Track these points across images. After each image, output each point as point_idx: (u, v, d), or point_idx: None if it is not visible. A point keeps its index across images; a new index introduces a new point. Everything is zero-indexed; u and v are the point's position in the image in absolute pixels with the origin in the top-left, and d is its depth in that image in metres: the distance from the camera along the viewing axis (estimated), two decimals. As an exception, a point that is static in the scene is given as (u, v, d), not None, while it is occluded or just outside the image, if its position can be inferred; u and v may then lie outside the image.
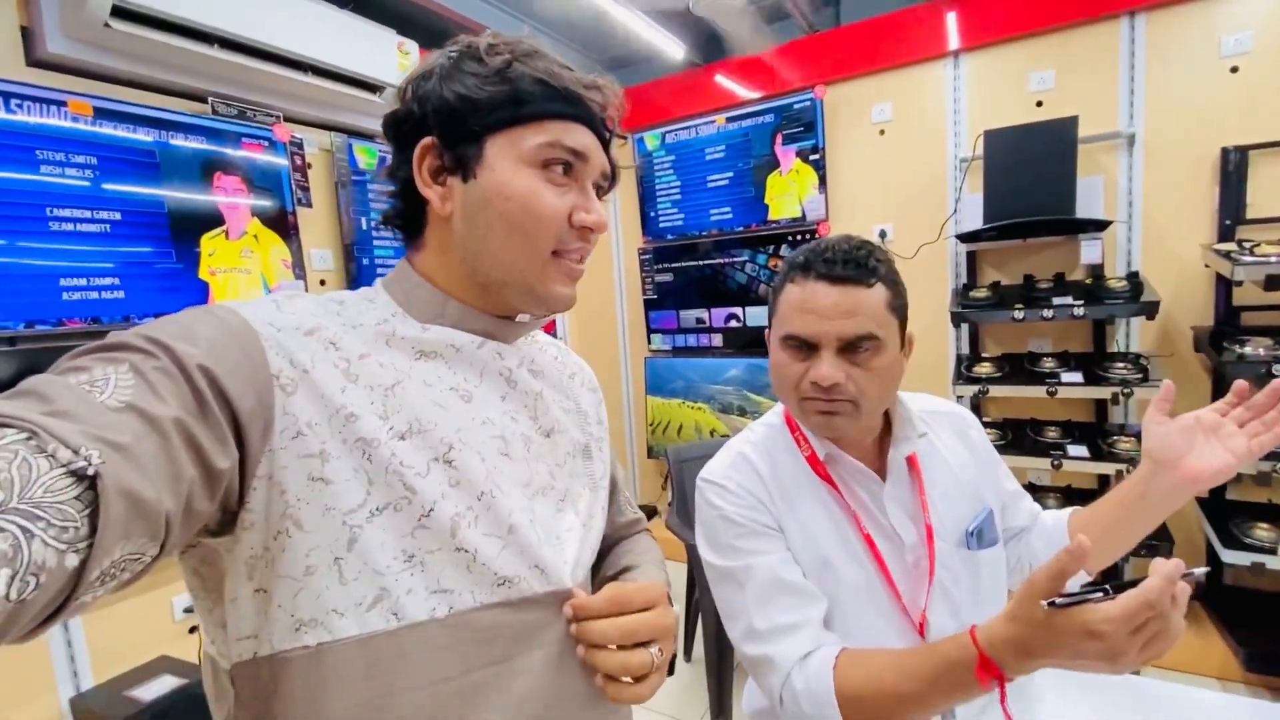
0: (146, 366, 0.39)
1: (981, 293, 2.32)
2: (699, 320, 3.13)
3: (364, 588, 0.46)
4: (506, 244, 0.54)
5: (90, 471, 0.33)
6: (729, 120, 2.88)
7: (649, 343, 3.28)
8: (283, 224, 1.99)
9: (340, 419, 0.47)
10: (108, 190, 1.61)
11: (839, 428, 0.77)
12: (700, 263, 3.07)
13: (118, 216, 1.63)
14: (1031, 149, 2.16)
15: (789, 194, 2.79)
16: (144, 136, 1.67)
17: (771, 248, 2.88)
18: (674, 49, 2.83)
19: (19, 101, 1.45)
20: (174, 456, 0.38)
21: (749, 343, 3.00)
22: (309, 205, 2.11)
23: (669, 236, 3.15)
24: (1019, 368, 2.26)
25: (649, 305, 3.25)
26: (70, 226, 1.54)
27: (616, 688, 0.52)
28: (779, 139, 2.77)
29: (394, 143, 0.56)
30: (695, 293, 3.11)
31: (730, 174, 2.93)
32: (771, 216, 2.85)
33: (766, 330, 0.85)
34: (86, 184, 1.57)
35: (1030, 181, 2.15)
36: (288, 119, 2.02)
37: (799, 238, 2.81)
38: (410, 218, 0.57)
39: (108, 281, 1.61)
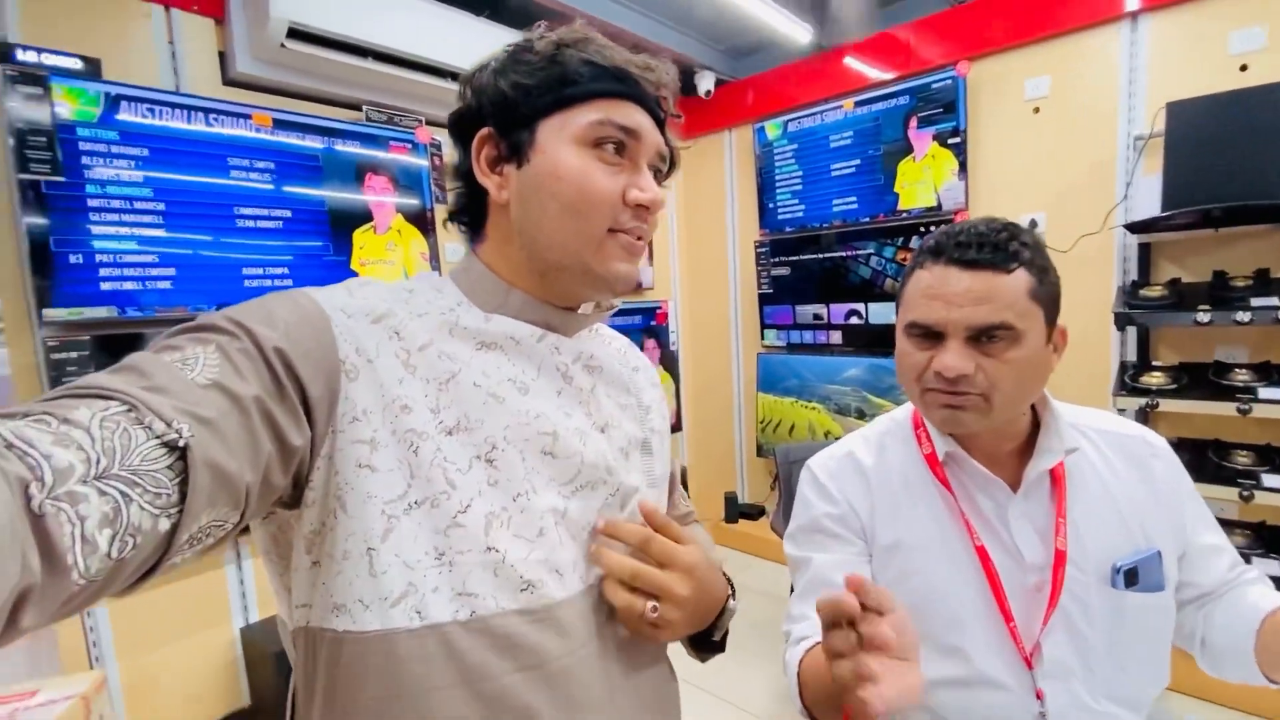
0: (231, 347, 0.42)
1: (1155, 291, 2.01)
2: (816, 316, 3.00)
3: (392, 581, 0.46)
4: (561, 225, 0.53)
5: (181, 443, 0.35)
6: (857, 105, 2.72)
7: (762, 338, 3.20)
8: (421, 220, 2.17)
9: (395, 409, 0.48)
10: (283, 192, 1.84)
11: (965, 422, 0.71)
12: (820, 256, 2.94)
13: (289, 214, 1.86)
14: (1232, 122, 1.83)
15: (923, 181, 2.59)
16: (313, 143, 1.89)
17: (900, 239, 2.69)
18: (800, 33, 2.71)
19: (215, 116, 1.70)
20: (254, 432, 0.40)
21: (871, 341, 2.83)
22: (445, 202, 2.27)
23: (787, 229, 3.05)
24: (1201, 379, 1.93)
25: (763, 300, 3.17)
26: (252, 223, 1.79)
27: (623, 614, 0.55)
28: (913, 122, 2.58)
29: (457, 139, 0.58)
30: (813, 287, 2.99)
31: (857, 161, 2.77)
32: (902, 206, 2.66)
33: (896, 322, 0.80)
34: (268, 186, 1.81)
35: (1228, 160, 1.82)
36: (428, 122, 2.19)
37: (932, 228, 2.59)
38: (474, 211, 0.59)
39: (279, 271, 1.85)
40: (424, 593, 0.46)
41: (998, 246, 0.69)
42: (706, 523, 3.17)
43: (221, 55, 1.78)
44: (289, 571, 0.49)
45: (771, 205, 3.09)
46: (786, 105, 2.97)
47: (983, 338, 0.68)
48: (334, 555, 0.46)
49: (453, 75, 2.08)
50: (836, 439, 0.90)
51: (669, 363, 3.22)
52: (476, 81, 0.56)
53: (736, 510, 3.25)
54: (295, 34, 1.70)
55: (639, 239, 0.56)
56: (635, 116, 0.54)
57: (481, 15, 2.16)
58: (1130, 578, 0.71)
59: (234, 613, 1.86)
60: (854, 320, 2.88)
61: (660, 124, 0.58)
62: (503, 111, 0.54)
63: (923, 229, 2.62)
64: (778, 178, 3.04)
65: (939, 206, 2.56)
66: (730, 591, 0.65)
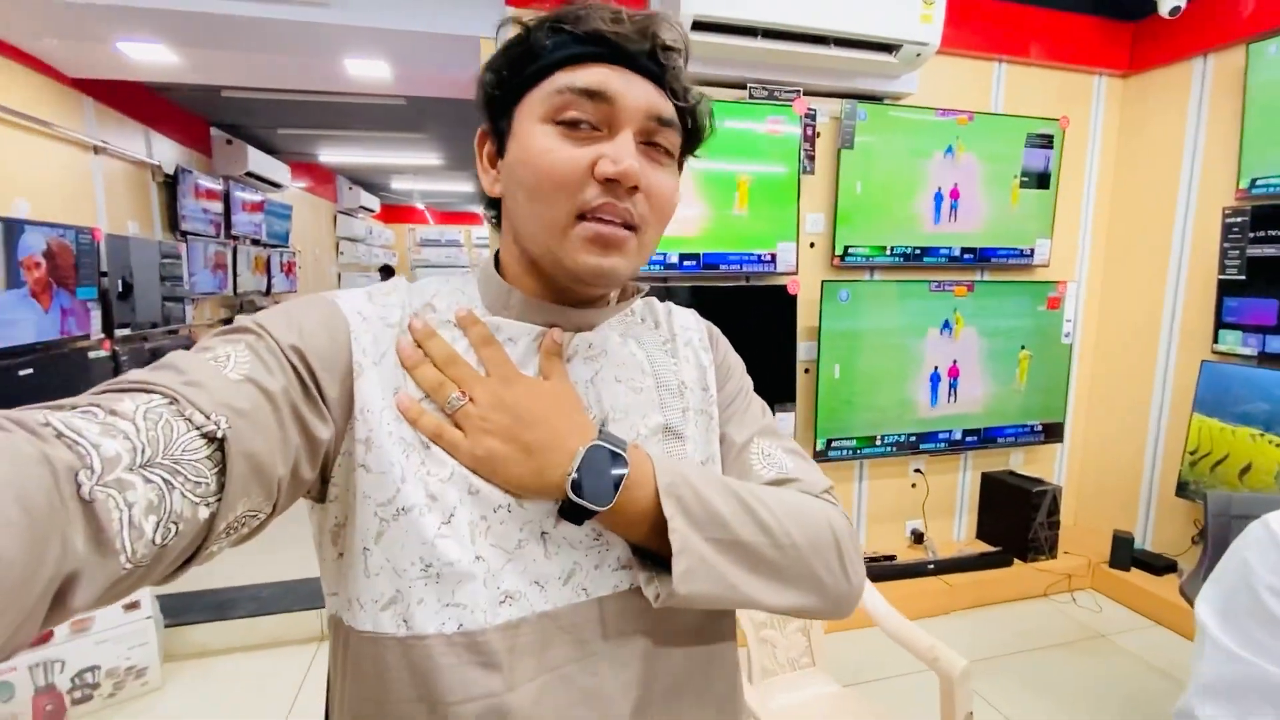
0: (259, 346, 0.44)
1: None
2: (1325, 319, 2.07)
3: (383, 585, 0.46)
4: (529, 213, 0.50)
5: (219, 434, 0.37)
6: None
7: (1214, 340, 2.37)
8: (784, 190, 2.23)
9: (391, 414, 0.48)
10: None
11: None
12: (1350, 231, 2.00)
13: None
14: None
15: None
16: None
17: None
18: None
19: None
20: (283, 424, 0.42)
21: None
22: (812, 172, 2.28)
23: (1290, 191, 2.15)
24: None
25: (1226, 288, 2.32)
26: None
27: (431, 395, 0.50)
28: None
29: None
30: (1327, 277, 2.06)
31: None
32: None
33: None
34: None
35: None
36: (806, 92, 2.21)
37: None
38: (496, 207, 0.58)
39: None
40: (409, 603, 0.46)
41: None
42: (1081, 559, 2.60)
43: (640, 54, 2.11)
44: (325, 561, 0.51)
45: (1264, 158, 2.21)
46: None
47: None
48: (349, 549, 0.48)
49: (836, 40, 2.04)
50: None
51: (1055, 358, 2.66)
52: (480, 79, 0.54)
53: (1129, 556, 2.56)
54: (698, 25, 1.89)
55: (617, 224, 0.49)
56: (605, 77, 0.48)
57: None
58: None
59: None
60: (1404, 331, 1.90)
61: (658, 80, 0.50)
62: (488, 104, 0.53)
63: None
64: (1283, 119, 2.15)
65: None
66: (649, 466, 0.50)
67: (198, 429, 0.37)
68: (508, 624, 0.47)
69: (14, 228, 2.25)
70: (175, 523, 0.35)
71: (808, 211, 2.31)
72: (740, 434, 0.61)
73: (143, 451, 0.34)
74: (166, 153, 3.84)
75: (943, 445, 2.56)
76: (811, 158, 2.27)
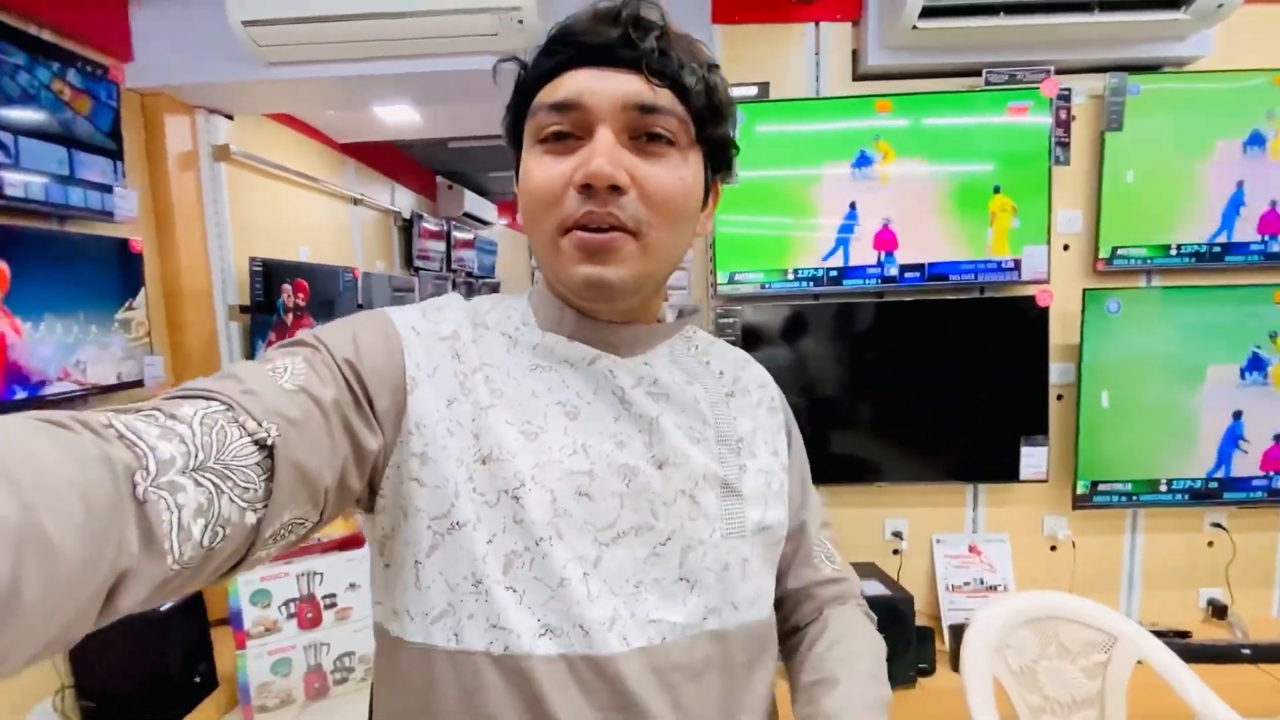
0: (315, 359, 0.46)
1: None
2: None
3: (435, 598, 0.48)
4: (531, 236, 0.53)
5: (270, 442, 0.38)
6: None
7: None
8: (1027, 186, 1.90)
9: (444, 428, 0.49)
10: (891, 172, 1.92)
11: None
12: None
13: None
14: None
15: None
16: (931, 122, 1.89)
17: None
18: None
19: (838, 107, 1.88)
20: (333, 434, 0.43)
21: None
22: (1066, 163, 1.93)
23: None
24: None
25: None
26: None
27: None
28: None
29: None
30: None
31: None
32: None
33: None
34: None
35: None
36: (1058, 71, 1.88)
37: None
38: None
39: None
40: (460, 617, 0.47)
41: None
42: None
43: (855, 54, 1.95)
44: (375, 569, 0.53)
45: None
46: None
47: None
48: (396, 561, 0.50)
49: (1100, 4, 1.71)
50: None
51: None
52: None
53: None
54: (927, 12, 1.70)
55: (598, 230, 0.49)
56: (572, 83, 0.49)
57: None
58: None
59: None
60: None
61: (636, 66, 0.48)
62: (510, 144, 0.56)
63: None
64: None
65: None
66: None
67: (250, 435, 0.38)
68: (547, 657, 0.48)
69: (298, 269, 2.72)
70: (222, 526, 0.36)
71: (1061, 208, 1.95)
72: (811, 519, 0.66)
73: (196, 455, 0.35)
74: (404, 200, 4.45)
75: (1259, 494, 1.99)
76: (1065, 145, 1.92)
